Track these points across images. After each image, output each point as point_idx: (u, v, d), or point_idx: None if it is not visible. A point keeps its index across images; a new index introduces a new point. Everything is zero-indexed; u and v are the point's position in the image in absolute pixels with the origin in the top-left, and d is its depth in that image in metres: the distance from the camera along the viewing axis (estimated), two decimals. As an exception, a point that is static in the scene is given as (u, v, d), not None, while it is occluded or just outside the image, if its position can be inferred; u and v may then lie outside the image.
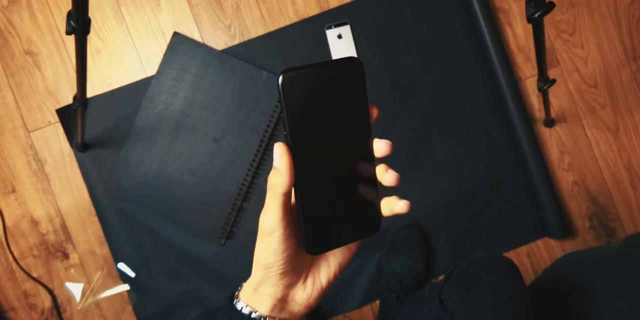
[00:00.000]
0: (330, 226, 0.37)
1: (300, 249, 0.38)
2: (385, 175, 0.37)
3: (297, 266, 0.39)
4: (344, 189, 0.37)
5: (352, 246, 0.41)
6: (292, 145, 0.35)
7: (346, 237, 0.38)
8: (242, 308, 0.40)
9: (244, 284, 0.42)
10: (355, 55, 1.20)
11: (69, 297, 1.21)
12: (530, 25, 0.75)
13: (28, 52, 1.20)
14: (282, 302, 0.39)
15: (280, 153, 0.35)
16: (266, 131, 1.18)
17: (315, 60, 1.21)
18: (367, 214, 0.38)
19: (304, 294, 0.40)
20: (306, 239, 0.37)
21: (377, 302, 1.18)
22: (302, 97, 0.35)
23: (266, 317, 0.39)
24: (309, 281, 0.40)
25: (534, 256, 1.22)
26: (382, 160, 0.37)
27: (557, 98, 1.23)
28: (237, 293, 0.42)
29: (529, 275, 1.22)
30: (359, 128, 0.36)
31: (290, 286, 0.39)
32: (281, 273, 0.38)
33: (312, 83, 0.35)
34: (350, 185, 0.37)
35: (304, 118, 0.35)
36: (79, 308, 1.21)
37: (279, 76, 0.35)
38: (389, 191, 0.38)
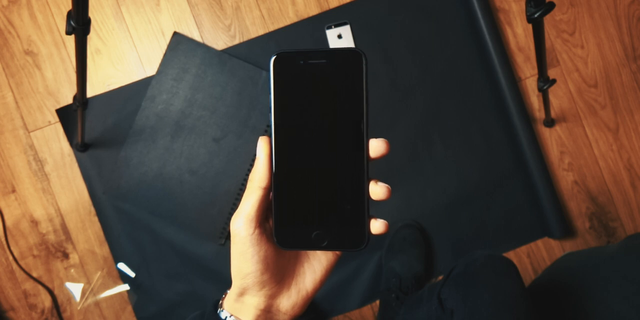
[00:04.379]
0: (306, 225, 0.34)
1: (279, 256, 0.36)
2: (375, 188, 0.33)
3: (275, 274, 0.37)
4: (328, 191, 0.34)
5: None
6: (276, 133, 0.33)
7: (322, 244, 0.34)
8: (226, 317, 0.39)
9: (228, 291, 0.40)
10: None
11: (69, 297, 1.21)
12: (530, 25, 0.75)
13: (28, 52, 1.20)
14: (267, 312, 0.38)
15: (261, 145, 0.34)
16: (266, 131, 1.18)
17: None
18: (352, 226, 0.34)
19: (289, 302, 0.38)
20: (275, 230, 0.34)
21: (377, 302, 1.18)
22: (294, 82, 0.32)
23: None
24: (294, 289, 0.38)
25: (534, 256, 1.22)
26: (379, 161, 0.36)
27: (557, 98, 1.23)
28: (221, 301, 0.40)
29: (529, 275, 1.22)
30: (352, 125, 0.33)
31: (273, 296, 0.37)
32: (258, 282, 0.36)
33: (306, 68, 0.32)
34: (336, 189, 0.33)
35: (293, 105, 0.33)
36: (79, 308, 1.21)
37: (271, 57, 0.32)
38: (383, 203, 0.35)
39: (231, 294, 0.39)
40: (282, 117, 0.33)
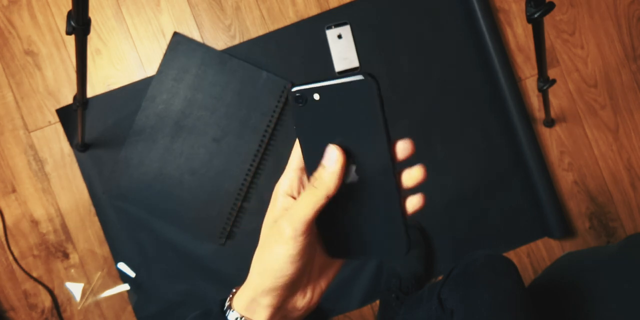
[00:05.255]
0: (351, 236, 0.36)
1: (312, 258, 0.37)
2: (411, 172, 0.34)
3: (305, 275, 0.37)
4: (365, 208, 0.35)
5: None
6: (307, 164, 0.35)
7: (368, 254, 0.36)
8: (236, 318, 0.37)
9: (234, 290, 0.39)
10: (355, 55, 1.20)
11: (69, 297, 1.21)
12: (530, 25, 0.75)
13: (28, 52, 1.20)
14: (283, 310, 0.37)
15: (336, 157, 0.33)
16: (266, 131, 1.18)
17: (315, 61, 1.21)
18: (391, 234, 0.35)
19: (305, 300, 0.38)
20: (325, 242, 0.36)
21: (377, 302, 1.18)
22: (313, 116, 0.34)
23: None
24: (309, 286, 0.38)
25: (534, 256, 1.22)
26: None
27: (557, 98, 1.23)
28: (229, 302, 0.39)
29: (529, 275, 1.22)
30: (376, 147, 0.33)
31: (292, 295, 0.37)
32: (288, 283, 0.35)
33: (322, 102, 0.33)
34: (371, 206, 0.35)
35: (317, 138, 0.34)
36: (79, 308, 1.21)
37: (288, 95, 0.34)
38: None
39: (246, 293, 0.37)
40: (311, 149, 0.35)
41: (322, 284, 0.39)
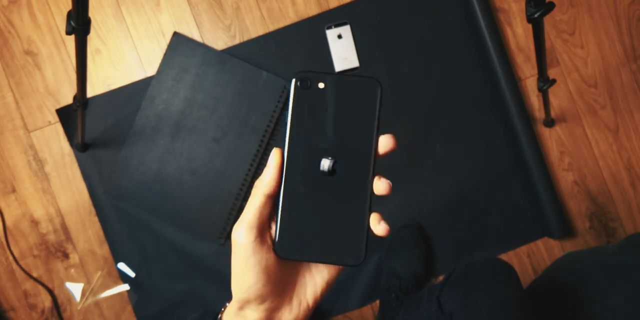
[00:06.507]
0: (308, 237, 0.35)
1: (281, 267, 0.36)
2: (378, 183, 0.34)
3: (277, 286, 0.36)
4: (331, 207, 0.34)
5: None
6: (289, 149, 0.34)
7: (321, 256, 0.35)
8: None
9: (227, 304, 0.39)
10: (355, 55, 1.20)
11: (69, 297, 1.21)
12: (530, 25, 0.75)
13: (28, 52, 1.20)
14: None
15: (273, 154, 0.34)
16: (266, 131, 1.18)
17: (315, 61, 1.21)
18: (351, 241, 0.35)
19: (290, 315, 0.37)
20: (277, 238, 0.35)
21: (377, 302, 1.18)
22: (312, 104, 0.34)
23: None
24: (295, 302, 0.37)
25: (534, 256, 1.22)
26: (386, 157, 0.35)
27: (557, 98, 1.23)
28: (220, 314, 0.39)
29: (529, 275, 1.22)
30: (361, 148, 0.34)
31: (275, 310, 0.36)
32: (260, 295, 0.35)
33: (325, 91, 0.34)
34: (338, 205, 0.34)
35: (307, 125, 0.34)
36: (79, 308, 1.21)
37: (292, 78, 0.34)
38: (383, 198, 0.36)
39: (231, 307, 0.37)
40: (296, 132, 0.34)
41: (310, 300, 0.38)
